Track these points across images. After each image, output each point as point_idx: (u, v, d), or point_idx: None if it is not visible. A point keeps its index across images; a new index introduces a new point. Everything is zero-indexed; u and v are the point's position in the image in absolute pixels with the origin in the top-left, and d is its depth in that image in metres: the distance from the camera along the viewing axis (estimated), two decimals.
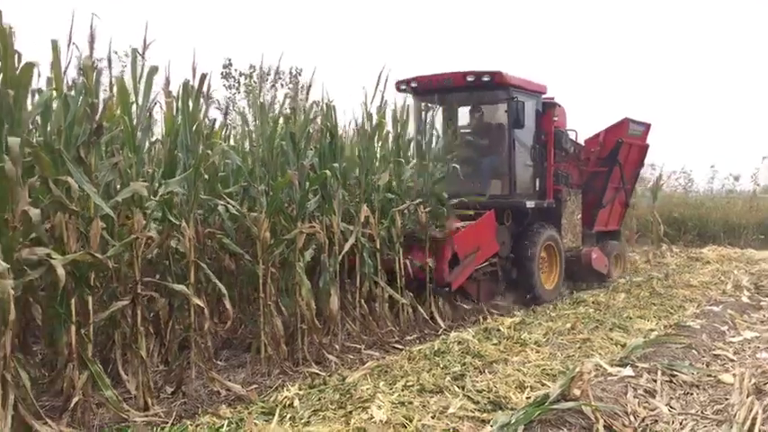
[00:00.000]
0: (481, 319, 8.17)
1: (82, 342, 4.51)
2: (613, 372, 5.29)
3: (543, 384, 5.26)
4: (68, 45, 4.70)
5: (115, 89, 5.09)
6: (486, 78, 9.05)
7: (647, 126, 12.07)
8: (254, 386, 5.45)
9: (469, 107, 10.01)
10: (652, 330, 7.26)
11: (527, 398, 4.91)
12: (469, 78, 9.13)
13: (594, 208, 11.11)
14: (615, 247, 11.85)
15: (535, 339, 6.90)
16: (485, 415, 4.53)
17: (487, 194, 9.23)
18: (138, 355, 4.86)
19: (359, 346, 6.67)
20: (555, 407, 4.24)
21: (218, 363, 5.94)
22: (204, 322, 5.36)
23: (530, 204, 9.53)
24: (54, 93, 4.68)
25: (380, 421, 4.29)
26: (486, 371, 5.71)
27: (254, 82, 16.03)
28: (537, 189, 9.92)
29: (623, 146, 11.28)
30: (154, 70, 5.21)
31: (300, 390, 5.14)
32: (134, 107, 5.13)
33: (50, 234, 4.45)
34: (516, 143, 9.45)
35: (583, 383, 4.51)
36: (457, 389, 5.11)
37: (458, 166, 8.48)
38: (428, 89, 9.48)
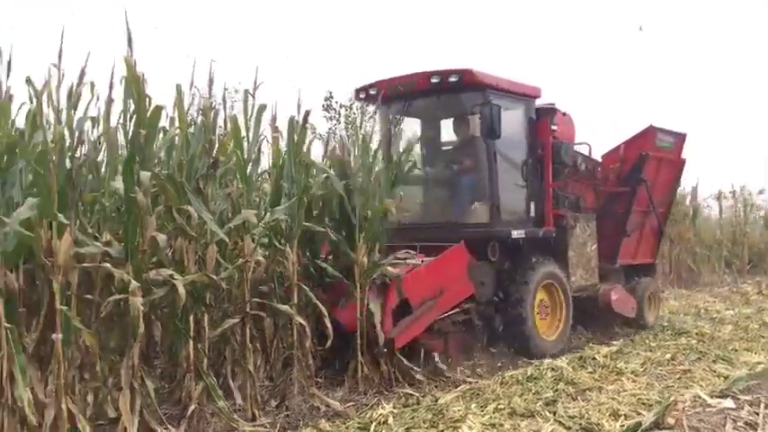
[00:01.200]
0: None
1: (198, 356, 4.97)
2: (713, 403, 5.15)
3: (638, 413, 5.19)
4: (190, 87, 5.29)
5: (229, 126, 5.62)
6: (453, 78, 7.41)
7: (681, 136, 10.24)
8: (351, 403, 5.72)
9: (441, 115, 8.49)
10: (759, 363, 6.95)
11: (621, 426, 4.89)
12: (434, 79, 7.51)
13: (616, 237, 9.57)
14: (648, 285, 10.05)
15: (632, 369, 6.77)
16: None
17: (460, 222, 7.87)
18: (247, 369, 5.27)
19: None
20: None
21: (319, 380, 6.26)
22: (305, 341, 5.72)
23: (516, 234, 7.69)
24: (177, 131, 5.24)
25: None
26: (579, 398, 5.71)
27: (354, 113, 16.60)
28: (531, 215, 8.22)
29: (649, 160, 9.59)
30: (263, 108, 5.72)
31: (395, 408, 5.39)
32: (245, 142, 5.63)
33: (172, 257, 4.97)
34: (498, 158, 7.71)
35: (678, 412, 4.48)
36: (548, 414, 5.18)
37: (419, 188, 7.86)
38: (391, 96, 7.87)
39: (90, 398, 4.48)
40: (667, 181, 10.40)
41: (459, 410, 5.19)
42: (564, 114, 9.14)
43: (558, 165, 8.53)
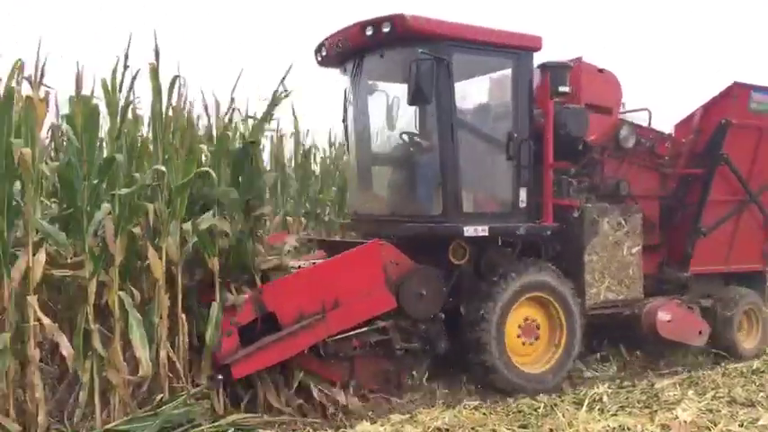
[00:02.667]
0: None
1: None
2: None
3: None
4: None
5: None
6: (386, 29, 5.70)
7: None
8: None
9: (386, 79, 6.63)
10: None
11: None
12: (369, 31, 5.84)
13: (686, 236, 7.19)
14: (746, 298, 7.39)
15: None
16: None
17: (406, 214, 6.24)
18: None
19: None
20: None
21: None
22: None
23: (473, 231, 5.78)
24: None
25: (684, 422, 4.75)
26: None
27: None
28: (522, 206, 6.20)
29: (733, 130, 6.96)
30: None
31: (609, 389, 5.82)
32: None
33: None
34: (460, 131, 5.92)
35: None
36: None
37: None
38: (336, 56, 6.41)
39: None
40: None
41: (674, 395, 5.57)
42: (601, 71, 6.94)
43: (567, 138, 6.38)
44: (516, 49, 6.18)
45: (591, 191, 6.82)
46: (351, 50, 6.24)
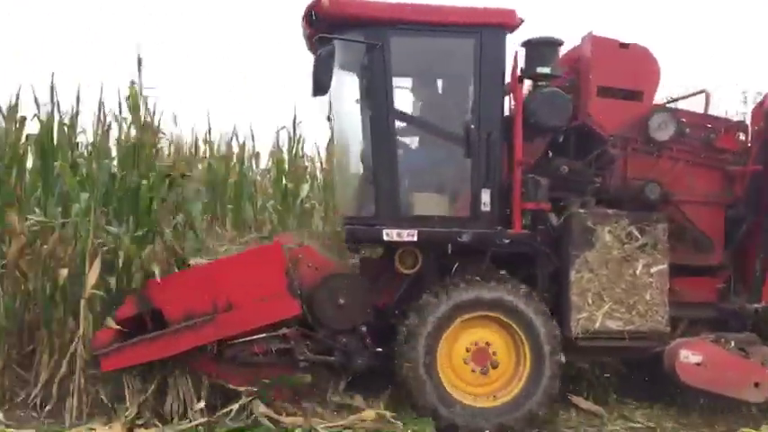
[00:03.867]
0: None
1: None
2: None
3: None
4: None
5: None
6: (313, 18, 5.19)
7: None
8: None
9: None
10: None
11: None
12: (308, 24, 5.32)
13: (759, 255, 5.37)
14: None
15: None
16: None
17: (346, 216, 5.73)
18: None
19: None
20: None
21: None
22: None
23: (400, 236, 5.05)
24: None
25: None
26: None
27: None
28: (479, 209, 5.23)
29: None
30: None
31: None
32: None
33: None
34: (392, 125, 5.26)
35: None
36: None
37: None
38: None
39: None
40: None
41: None
42: (624, 46, 5.59)
43: (543, 129, 5.34)
44: (478, 27, 5.27)
45: (600, 193, 5.49)
46: (313, 46, 5.94)
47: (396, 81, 5.44)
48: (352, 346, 5.23)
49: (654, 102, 5.66)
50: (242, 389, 5.07)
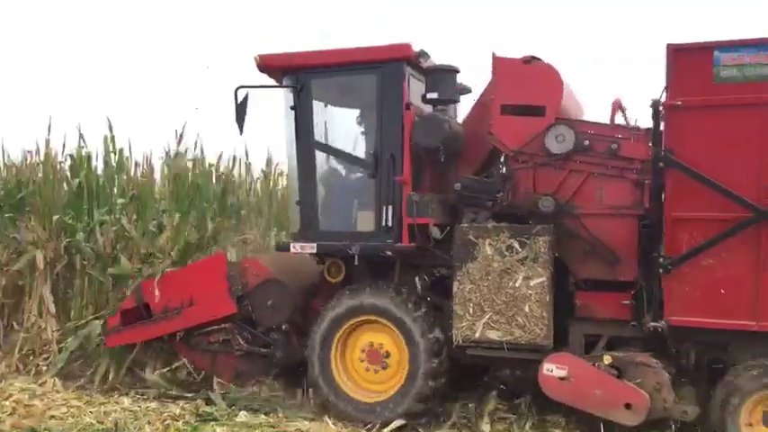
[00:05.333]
0: None
1: None
2: None
3: None
4: None
5: None
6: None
7: None
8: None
9: None
10: None
11: None
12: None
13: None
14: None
15: None
16: None
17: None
18: None
19: None
20: None
21: None
22: None
23: (303, 249, 5.98)
24: None
25: None
26: None
27: None
28: (382, 225, 5.81)
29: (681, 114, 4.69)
30: None
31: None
32: None
33: None
34: (313, 152, 6.15)
35: None
36: None
37: None
38: None
39: None
40: None
41: None
42: (527, 63, 5.72)
43: (421, 149, 5.75)
44: (380, 63, 5.93)
45: (502, 208, 5.67)
46: None
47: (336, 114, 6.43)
48: (279, 342, 6.25)
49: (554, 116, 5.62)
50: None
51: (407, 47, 5.83)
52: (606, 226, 5.40)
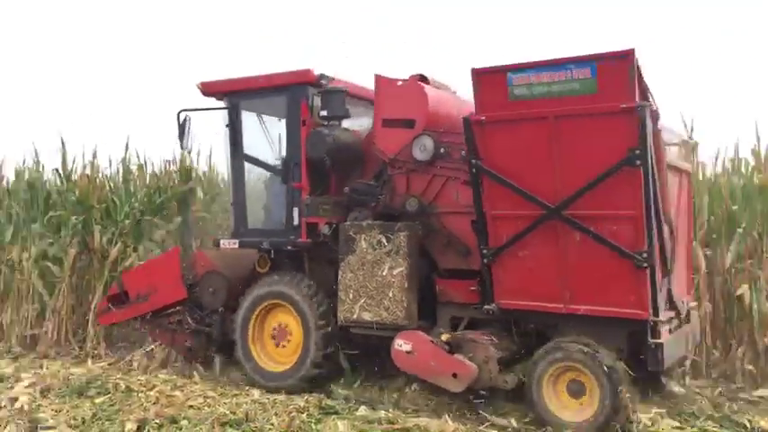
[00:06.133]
0: None
1: None
2: None
3: None
4: None
5: None
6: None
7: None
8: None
9: None
10: None
11: None
12: None
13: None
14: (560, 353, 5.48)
15: None
16: None
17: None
18: None
19: None
20: None
21: None
22: None
23: (229, 244, 7.39)
24: None
25: None
26: None
27: None
28: (292, 224, 6.97)
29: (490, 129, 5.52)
30: None
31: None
32: None
33: None
34: (242, 163, 7.48)
35: None
36: None
37: None
38: None
39: None
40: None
41: None
42: (400, 83, 6.65)
43: (318, 158, 6.79)
44: (288, 86, 7.04)
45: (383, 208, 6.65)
46: None
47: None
48: (216, 323, 7.54)
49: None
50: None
51: (309, 72, 6.89)
52: (460, 223, 6.23)
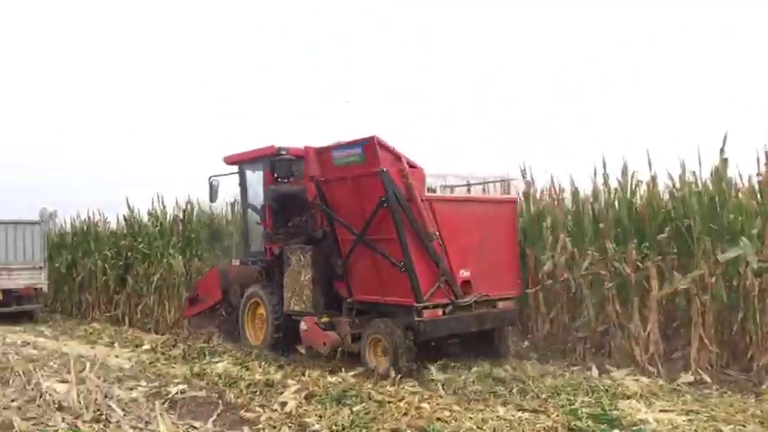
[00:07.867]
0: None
1: None
2: None
3: None
4: None
5: None
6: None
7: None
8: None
9: None
10: None
11: None
12: None
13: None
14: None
15: None
16: None
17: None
18: None
19: None
20: None
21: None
22: None
23: (233, 262, 11.72)
24: None
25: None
26: None
27: None
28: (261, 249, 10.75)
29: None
30: None
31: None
32: None
33: None
34: (246, 207, 11.44)
35: None
36: None
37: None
38: None
39: None
40: None
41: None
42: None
43: (271, 204, 10.45)
44: (261, 157, 10.80)
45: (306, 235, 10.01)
46: None
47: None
48: (233, 315, 11.45)
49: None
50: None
51: (272, 148, 10.56)
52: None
